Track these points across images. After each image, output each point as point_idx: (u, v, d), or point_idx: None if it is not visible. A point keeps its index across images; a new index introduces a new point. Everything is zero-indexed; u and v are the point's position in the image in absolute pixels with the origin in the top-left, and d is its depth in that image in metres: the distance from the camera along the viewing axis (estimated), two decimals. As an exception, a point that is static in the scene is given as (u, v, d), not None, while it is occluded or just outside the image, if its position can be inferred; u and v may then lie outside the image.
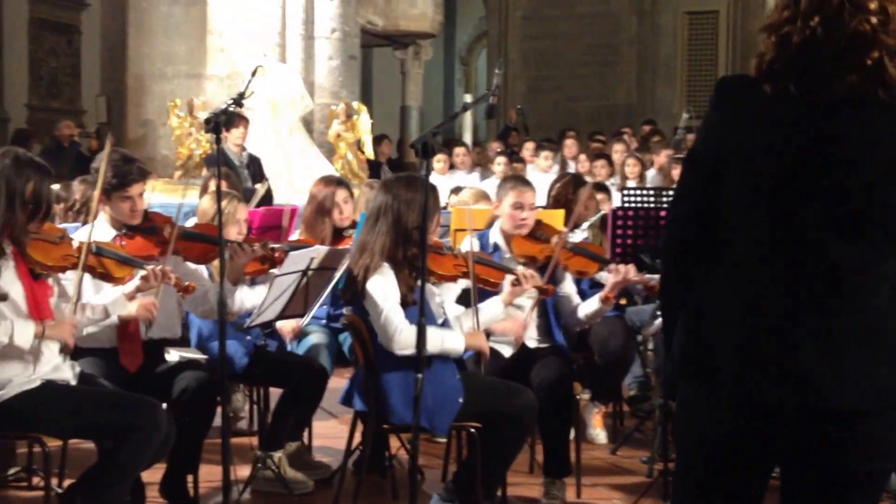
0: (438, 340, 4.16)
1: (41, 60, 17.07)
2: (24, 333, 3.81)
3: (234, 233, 4.95)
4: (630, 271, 4.75)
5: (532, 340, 4.98)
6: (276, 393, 5.12)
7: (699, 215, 2.29)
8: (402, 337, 4.10)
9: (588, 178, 8.04)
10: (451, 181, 10.41)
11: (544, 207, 5.94)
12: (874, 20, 2.09)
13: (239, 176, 8.29)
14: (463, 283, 4.73)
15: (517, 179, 5.30)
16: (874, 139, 2.12)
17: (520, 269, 4.63)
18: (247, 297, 4.81)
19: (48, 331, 3.88)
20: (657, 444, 5.04)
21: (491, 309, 4.55)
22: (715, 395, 2.24)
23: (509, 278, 4.55)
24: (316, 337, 5.39)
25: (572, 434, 4.94)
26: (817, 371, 2.14)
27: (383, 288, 4.18)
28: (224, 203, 4.90)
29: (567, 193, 6.13)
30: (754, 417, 2.21)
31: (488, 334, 4.68)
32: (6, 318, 3.82)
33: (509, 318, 4.74)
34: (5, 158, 3.88)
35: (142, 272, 4.21)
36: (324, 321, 5.51)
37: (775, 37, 2.18)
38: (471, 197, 6.49)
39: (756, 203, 2.20)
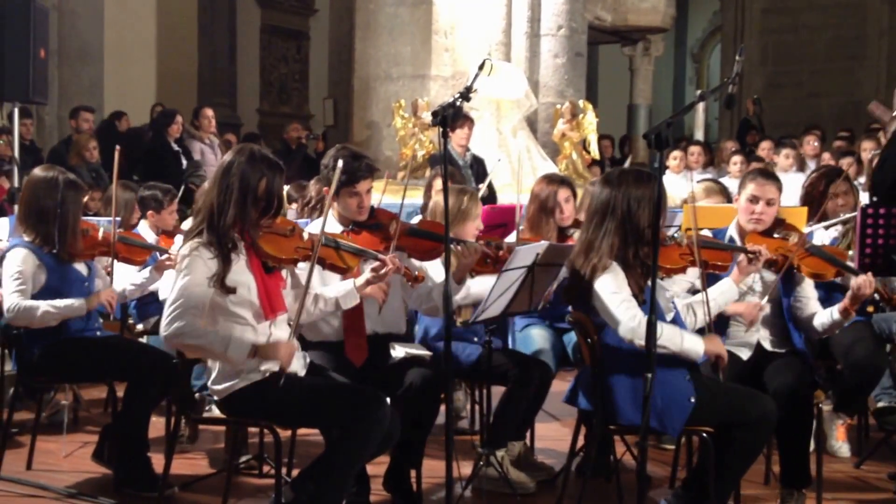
0: (678, 340, 3.95)
1: (271, 66, 17.75)
2: (239, 351, 3.84)
3: (471, 229, 4.89)
4: (866, 286, 4.33)
5: (767, 342, 4.68)
6: (498, 392, 5.06)
7: None
8: (644, 327, 3.74)
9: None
10: (685, 179, 10.13)
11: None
12: None
13: (463, 175, 8.30)
14: (692, 274, 4.50)
15: (760, 172, 4.88)
16: None
17: (751, 245, 4.39)
18: (473, 283, 4.74)
19: (262, 352, 3.89)
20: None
21: (724, 291, 4.38)
22: None
23: (738, 258, 4.36)
24: (539, 336, 5.29)
25: (812, 445, 4.62)
26: None
27: (616, 283, 3.99)
28: (465, 199, 4.90)
29: (819, 186, 5.69)
30: None
31: (723, 326, 4.50)
32: (235, 325, 3.88)
33: (743, 302, 4.54)
34: (241, 155, 3.94)
35: (371, 264, 4.22)
36: (547, 321, 5.40)
37: None
38: (703, 191, 6.15)
39: None
